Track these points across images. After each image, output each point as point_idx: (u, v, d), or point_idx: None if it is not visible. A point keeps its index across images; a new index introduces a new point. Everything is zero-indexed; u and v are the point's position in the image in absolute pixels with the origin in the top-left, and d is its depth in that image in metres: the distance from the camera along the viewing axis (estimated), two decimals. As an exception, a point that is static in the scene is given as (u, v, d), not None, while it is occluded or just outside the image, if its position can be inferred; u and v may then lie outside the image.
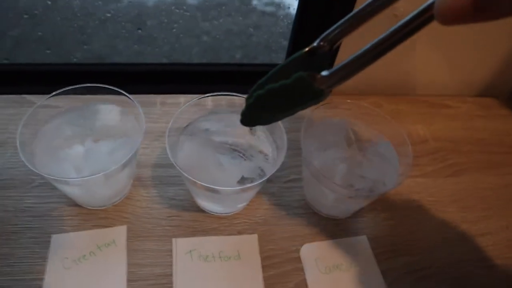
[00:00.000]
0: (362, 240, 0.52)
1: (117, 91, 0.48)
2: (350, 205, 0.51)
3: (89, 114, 0.49)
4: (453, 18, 0.22)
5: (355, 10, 0.28)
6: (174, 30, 1.32)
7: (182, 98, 0.62)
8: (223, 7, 1.43)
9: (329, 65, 0.27)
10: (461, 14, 0.21)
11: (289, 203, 0.54)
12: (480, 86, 0.72)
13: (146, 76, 0.67)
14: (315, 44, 0.29)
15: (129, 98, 0.48)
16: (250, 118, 0.32)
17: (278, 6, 1.48)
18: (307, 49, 0.29)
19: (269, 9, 1.48)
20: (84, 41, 1.24)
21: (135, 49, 1.25)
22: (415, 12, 0.24)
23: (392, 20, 0.58)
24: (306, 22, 0.63)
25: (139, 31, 1.29)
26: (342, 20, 0.28)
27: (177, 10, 1.38)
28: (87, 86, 0.48)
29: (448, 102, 0.70)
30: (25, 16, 1.28)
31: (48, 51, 1.18)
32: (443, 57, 0.67)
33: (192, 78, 0.69)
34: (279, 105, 0.30)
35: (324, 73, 0.27)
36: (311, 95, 0.27)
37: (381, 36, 0.25)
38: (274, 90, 0.29)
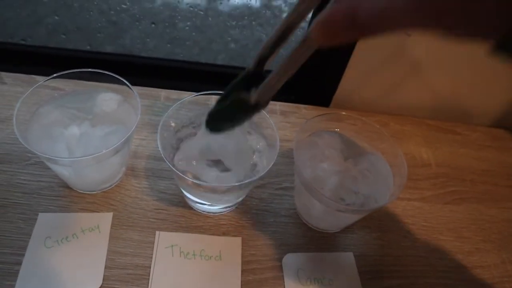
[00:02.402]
0: (348, 257, 0.51)
1: (119, 79, 0.48)
2: (339, 218, 0.50)
3: (89, 99, 0.50)
4: (328, 34, 0.22)
5: (274, 31, 0.31)
6: (204, 34, 1.34)
7: (186, 95, 0.62)
8: (254, 17, 1.45)
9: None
10: (338, 29, 0.22)
11: (278, 210, 0.53)
12: (493, 117, 0.70)
13: (156, 69, 0.68)
14: (250, 67, 0.33)
15: (129, 87, 0.48)
16: (212, 127, 0.38)
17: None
18: (244, 73, 0.34)
19: (300, 23, 1.49)
20: (117, 36, 1.27)
21: (166, 49, 1.27)
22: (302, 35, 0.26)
23: (403, 39, 0.57)
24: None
25: (170, 31, 1.31)
26: (265, 42, 0.32)
27: (209, 15, 1.40)
28: (90, 71, 0.48)
29: (457, 129, 0.68)
30: (62, 7, 1.31)
31: (88, 47, 1.21)
32: (459, 85, 0.66)
33: (202, 77, 0.69)
34: (229, 118, 0.36)
35: (253, 91, 0.32)
36: (250, 109, 0.32)
37: (288, 55, 0.28)
38: (220, 110, 0.36)
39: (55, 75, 0.47)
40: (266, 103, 0.33)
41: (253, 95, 0.32)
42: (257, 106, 0.33)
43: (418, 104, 0.68)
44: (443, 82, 0.65)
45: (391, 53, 0.60)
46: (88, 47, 1.15)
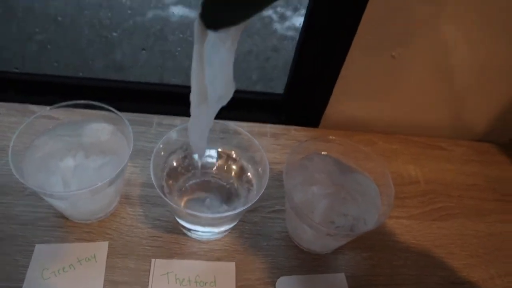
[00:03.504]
0: (340, 278, 0.52)
1: (111, 110, 0.50)
2: (330, 241, 0.51)
3: (83, 129, 0.51)
4: None
5: None
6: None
7: (178, 120, 0.63)
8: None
9: None
10: None
11: (270, 234, 0.54)
12: (478, 131, 0.72)
13: (148, 94, 0.69)
14: None
15: (122, 118, 0.49)
16: (212, 11, 0.27)
17: (299, 31, 1.49)
18: None
19: (290, 33, 1.49)
20: (108, 51, 1.27)
21: (157, 63, 1.27)
22: None
23: (389, 60, 0.59)
24: (308, 50, 0.64)
25: (161, 45, 1.31)
26: None
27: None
28: (83, 103, 0.49)
29: (443, 144, 0.70)
30: (53, 23, 1.32)
31: (80, 73, 1.22)
32: (443, 100, 0.67)
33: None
34: None
35: None
36: None
37: None
38: None
39: (49, 108, 0.48)
40: None
41: None
42: None
43: (405, 121, 0.70)
44: (430, 99, 0.67)
45: (378, 74, 0.62)
46: (81, 74, 1.16)
